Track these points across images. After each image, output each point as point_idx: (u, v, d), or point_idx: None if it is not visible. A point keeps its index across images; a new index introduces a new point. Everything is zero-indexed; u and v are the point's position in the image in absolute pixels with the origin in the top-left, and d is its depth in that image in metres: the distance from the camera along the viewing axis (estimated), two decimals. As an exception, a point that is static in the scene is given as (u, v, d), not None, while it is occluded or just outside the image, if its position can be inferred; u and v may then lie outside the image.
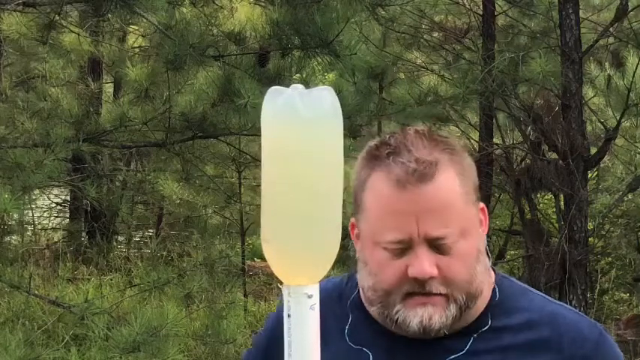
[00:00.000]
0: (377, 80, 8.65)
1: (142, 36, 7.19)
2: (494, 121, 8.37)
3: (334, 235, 1.50)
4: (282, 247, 1.49)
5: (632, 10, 7.55)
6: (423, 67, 8.68)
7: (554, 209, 7.88)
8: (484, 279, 1.58)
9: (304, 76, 5.26)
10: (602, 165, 8.37)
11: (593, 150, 7.50)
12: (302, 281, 1.48)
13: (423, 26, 8.95)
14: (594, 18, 8.94)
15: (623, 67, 7.31)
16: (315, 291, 1.48)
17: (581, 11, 7.55)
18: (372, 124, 9.75)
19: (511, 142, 8.30)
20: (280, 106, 1.48)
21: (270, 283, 9.18)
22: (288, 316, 1.47)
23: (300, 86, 1.47)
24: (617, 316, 8.49)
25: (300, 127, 1.47)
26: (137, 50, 7.86)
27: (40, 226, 10.33)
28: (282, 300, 1.50)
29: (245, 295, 8.12)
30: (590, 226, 7.71)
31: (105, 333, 4.53)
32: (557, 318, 1.60)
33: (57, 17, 5.37)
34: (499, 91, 7.26)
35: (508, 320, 1.59)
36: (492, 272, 1.64)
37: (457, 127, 9.09)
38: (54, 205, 10.73)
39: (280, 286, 1.49)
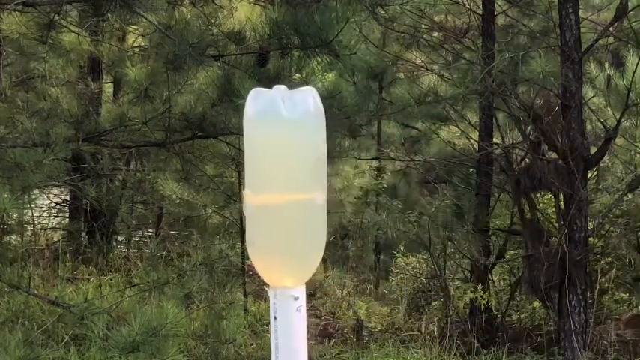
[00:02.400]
0: (377, 80, 8.66)
1: (142, 36, 7.18)
2: (494, 120, 8.36)
3: (319, 236, 1.49)
4: (267, 249, 1.48)
5: (631, 10, 7.55)
6: (423, 67, 8.67)
7: (554, 209, 7.88)
8: None
9: (304, 76, 5.26)
10: (601, 165, 8.37)
11: (593, 150, 7.50)
12: (288, 283, 1.47)
13: (423, 26, 8.95)
14: (594, 18, 8.93)
15: (622, 66, 7.31)
16: (301, 293, 1.47)
17: (581, 11, 7.55)
18: (371, 124, 9.77)
19: (511, 141, 8.29)
20: (262, 108, 1.47)
21: (270, 283, 9.16)
22: (275, 318, 1.47)
23: (283, 87, 1.46)
24: (617, 316, 8.48)
25: (281, 128, 1.46)
26: (137, 50, 7.84)
27: (39, 226, 10.32)
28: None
29: (245, 295, 8.11)
30: (589, 225, 7.71)
31: (104, 333, 4.53)
32: None
33: (57, 17, 5.37)
34: (499, 90, 7.26)
35: None
36: None
37: (457, 126, 9.09)
38: (54, 204, 10.72)
39: (266, 289, 1.48)
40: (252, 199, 1.47)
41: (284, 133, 1.45)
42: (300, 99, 1.46)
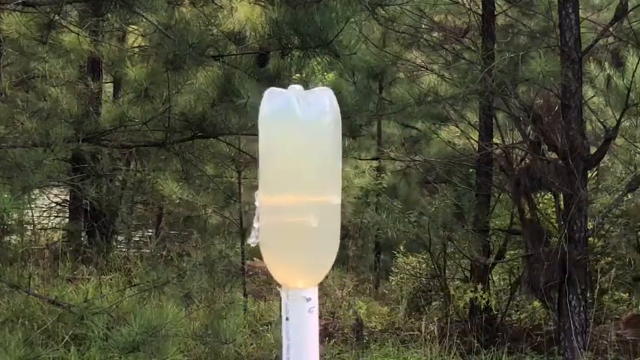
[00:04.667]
0: (377, 80, 8.65)
1: (142, 36, 7.18)
2: (494, 120, 8.36)
3: (333, 237, 1.48)
4: (280, 250, 1.47)
5: (631, 10, 7.55)
6: (423, 67, 8.67)
7: (554, 209, 7.88)
8: None
9: (304, 76, 5.26)
10: (601, 165, 8.37)
11: (593, 150, 7.50)
12: (300, 284, 1.47)
13: (423, 26, 8.95)
14: (594, 18, 8.94)
15: (622, 66, 7.31)
16: (313, 294, 1.46)
17: (580, 11, 7.55)
18: (371, 124, 9.76)
19: (511, 141, 8.29)
20: (277, 108, 1.45)
21: (270, 283, 9.17)
22: (287, 319, 1.46)
23: (299, 87, 1.45)
24: (617, 316, 8.49)
25: (297, 128, 1.44)
26: (137, 50, 7.84)
27: (39, 226, 10.32)
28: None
29: (245, 295, 8.12)
30: (589, 225, 7.70)
31: (104, 333, 4.53)
32: None
33: (57, 17, 5.36)
34: (499, 90, 7.26)
35: None
36: None
37: (457, 126, 9.09)
38: (53, 204, 10.73)
39: (279, 289, 1.47)
40: (265, 200, 1.46)
41: (299, 133, 1.43)
42: (316, 99, 1.44)
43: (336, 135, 1.47)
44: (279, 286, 1.47)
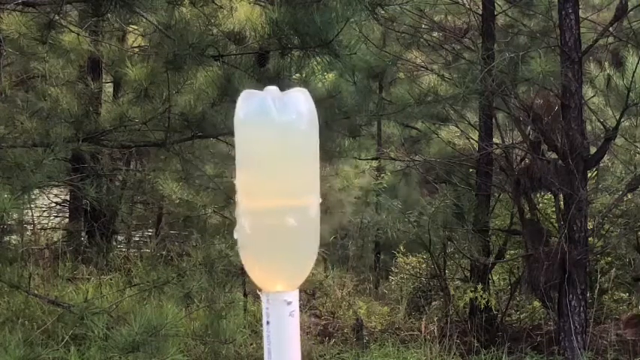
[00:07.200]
0: (377, 80, 8.65)
1: (142, 36, 7.18)
2: (493, 120, 8.37)
3: (312, 240, 1.47)
4: (259, 253, 1.46)
5: (631, 10, 7.55)
6: (423, 67, 8.68)
7: (554, 209, 7.88)
8: None
9: (304, 75, 5.25)
10: (601, 165, 8.37)
11: (593, 150, 7.50)
12: (280, 288, 1.45)
13: (423, 26, 8.95)
14: (594, 18, 8.94)
15: (622, 66, 7.31)
16: (294, 297, 1.45)
17: (580, 11, 7.55)
18: (371, 124, 9.76)
19: (511, 141, 8.29)
20: (253, 110, 1.44)
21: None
22: (267, 323, 1.45)
23: (274, 88, 1.44)
24: (617, 316, 8.49)
25: (272, 130, 1.43)
26: (137, 50, 7.84)
27: (39, 226, 10.32)
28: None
29: (245, 295, 8.11)
30: (589, 225, 7.71)
31: (104, 333, 4.53)
32: None
33: (56, 17, 5.36)
34: (499, 90, 7.26)
35: None
36: None
37: (457, 126, 9.09)
38: (53, 204, 10.72)
39: (259, 293, 1.46)
40: (243, 202, 1.45)
41: (275, 135, 1.42)
42: (292, 100, 1.43)
43: (313, 136, 1.46)
44: (260, 290, 1.46)
